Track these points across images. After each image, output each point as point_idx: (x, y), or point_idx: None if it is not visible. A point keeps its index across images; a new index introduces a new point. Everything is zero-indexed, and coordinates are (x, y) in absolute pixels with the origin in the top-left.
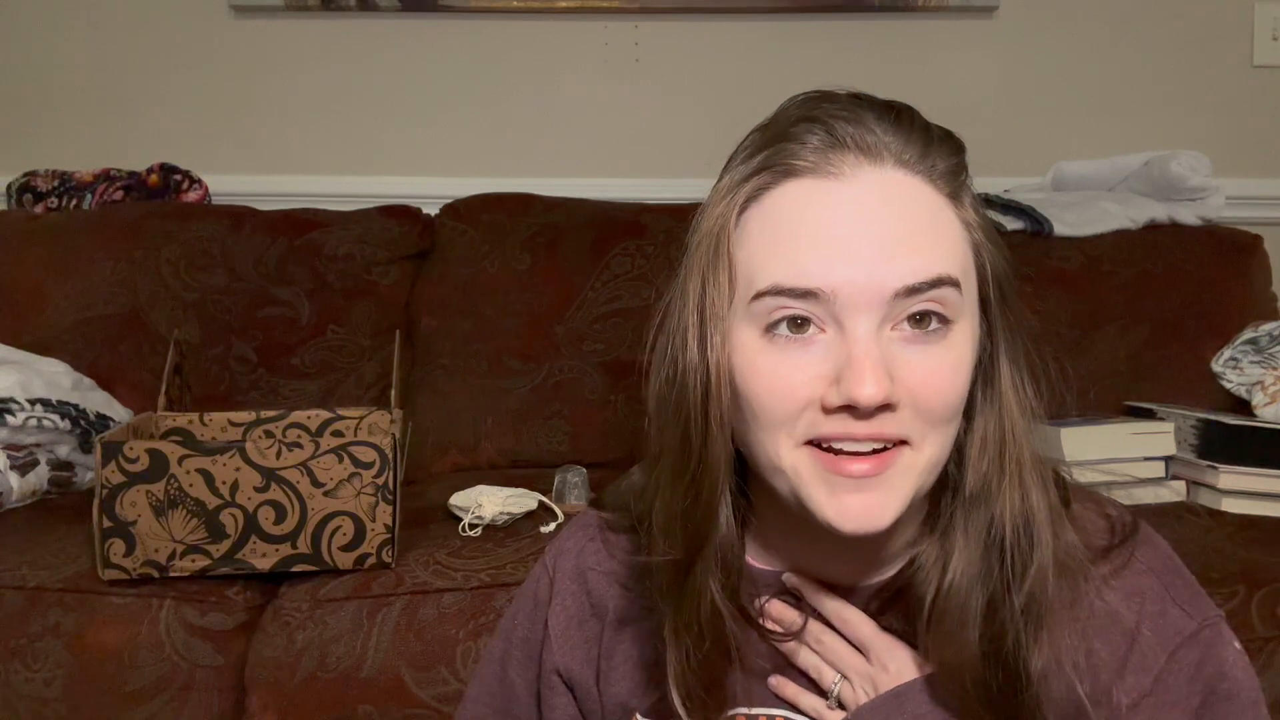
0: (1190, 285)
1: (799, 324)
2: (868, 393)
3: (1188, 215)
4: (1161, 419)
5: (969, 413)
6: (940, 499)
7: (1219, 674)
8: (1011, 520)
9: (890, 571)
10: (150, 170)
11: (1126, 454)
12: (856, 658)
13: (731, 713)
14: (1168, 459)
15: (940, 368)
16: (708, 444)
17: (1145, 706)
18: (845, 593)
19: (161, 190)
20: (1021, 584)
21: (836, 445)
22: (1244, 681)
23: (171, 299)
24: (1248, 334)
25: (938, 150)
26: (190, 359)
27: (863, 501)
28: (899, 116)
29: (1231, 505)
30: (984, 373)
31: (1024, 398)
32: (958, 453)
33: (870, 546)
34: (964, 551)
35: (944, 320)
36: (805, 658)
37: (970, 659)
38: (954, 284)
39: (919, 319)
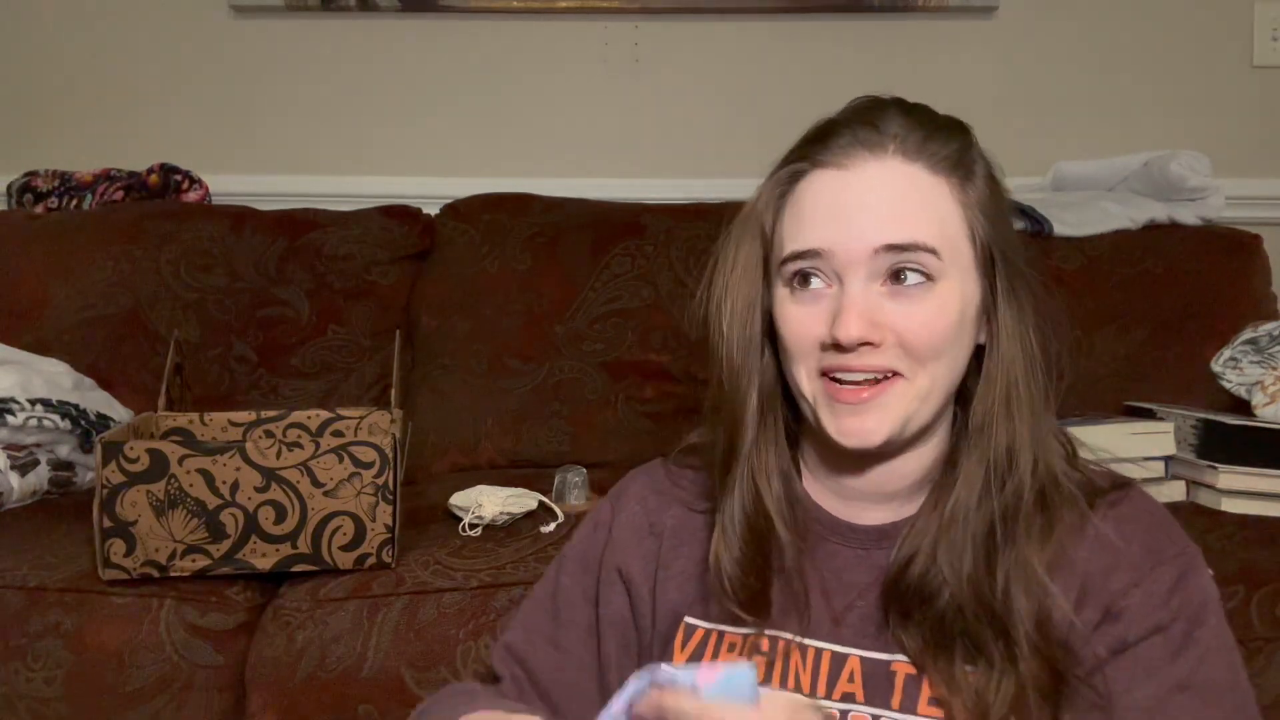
0: (1190, 285)
1: (807, 278)
2: (848, 332)
3: (1188, 215)
4: (1161, 419)
5: (979, 360)
6: (957, 442)
7: (1201, 603)
8: (1010, 445)
9: (911, 508)
10: (150, 170)
11: (1126, 454)
12: None
13: (777, 634)
14: (1167, 459)
15: (917, 314)
16: (744, 372)
17: (1127, 610)
18: (880, 533)
19: (161, 190)
20: (1020, 494)
21: (838, 376)
22: (1216, 627)
23: (171, 299)
24: (1247, 334)
25: (938, 140)
26: (190, 359)
27: (859, 423)
28: (909, 114)
29: (1231, 505)
30: (989, 325)
31: (1028, 346)
32: (967, 396)
33: (879, 466)
34: (968, 475)
35: (925, 277)
36: None
37: (973, 562)
38: (930, 250)
39: (898, 276)
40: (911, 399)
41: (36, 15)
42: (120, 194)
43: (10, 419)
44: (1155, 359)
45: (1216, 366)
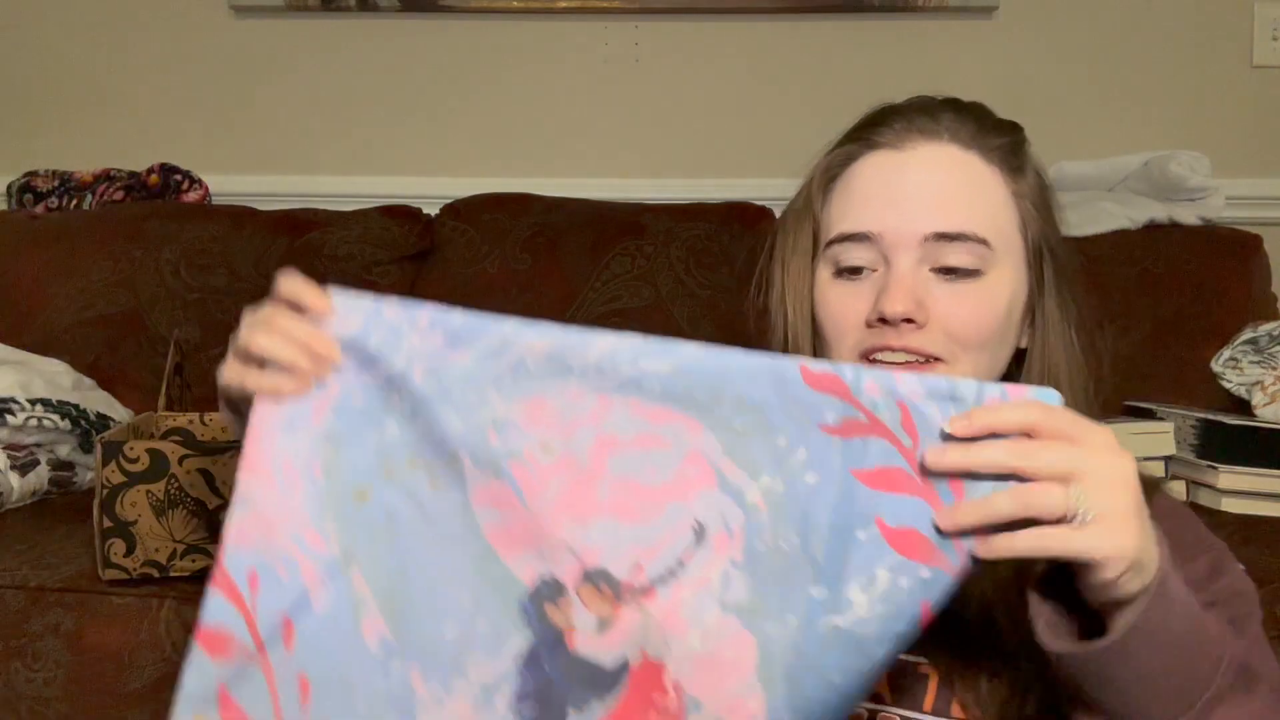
0: (1190, 285)
1: (858, 271)
2: (893, 308)
3: (1188, 215)
4: (1161, 419)
5: (1019, 364)
6: None
7: (1242, 592)
8: None
9: None
10: (150, 170)
11: None
12: (1076, 451)
13: None
14: (1167, 459)
15: (965, 300)
16: (791, 347)
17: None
18: None
19: (161, 190)
20: None
21: (879, 357)
22: (1258, 616)
23: (171, 299)
24: (1247, 334)
25: (992, 132)
26: (190, 359)
27: None
28: (965, 106)
29: (1231, 505)
30: (1034, 317)
31: (1069, 339)
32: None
33: None
34: None
35: (976, 267)
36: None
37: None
38: (981, 241)
39: (949, 263)
40: None
41: (36, 15)
42: (120, 194)
43: (10, 419)
44: (1155, 359)
45: (1216, 366)
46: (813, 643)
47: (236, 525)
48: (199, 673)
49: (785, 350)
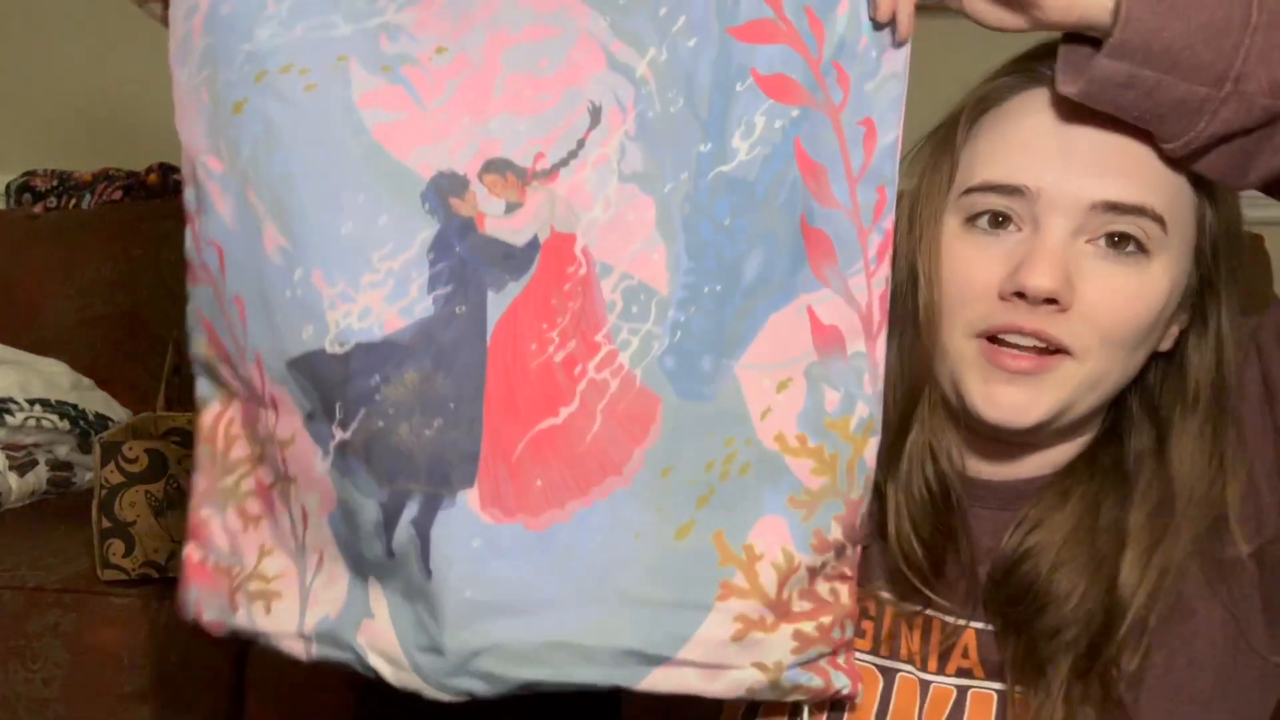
0: None
1: (999, 220)
2: (1036, 282)
3: None
4: None
5: (1182, 354)
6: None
7: None
8: (1207, 479)
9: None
10: (150, 170)
11: None
12: None
13: (922, 609)
14: None
15: (1123, 289)
16: (919, 316)
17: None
18: (1007, 490)
19: (161, 190)
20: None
21: (1004, 338)
22: None
23: (171, 299)
24: None
25: None
26: (189, 359)
27: (1012, 395)
28: None
29: None
30: (1196, 319)
31: (1230, 355)
32: (1150, 401)
33: (1013, 449)
34: (1133, 499)
35: (1141, 249)
36: None
37: (1092, 579)
38: (1156, 219)
39: (1116, 239)
40: (1078, 385)
41: (36, 15)
42: (119, 194)
43: (9, 419)
44: None
45: None
46: (703, 192)
47: (182, 162)
48: (191, 299)
49: (916, 319)
